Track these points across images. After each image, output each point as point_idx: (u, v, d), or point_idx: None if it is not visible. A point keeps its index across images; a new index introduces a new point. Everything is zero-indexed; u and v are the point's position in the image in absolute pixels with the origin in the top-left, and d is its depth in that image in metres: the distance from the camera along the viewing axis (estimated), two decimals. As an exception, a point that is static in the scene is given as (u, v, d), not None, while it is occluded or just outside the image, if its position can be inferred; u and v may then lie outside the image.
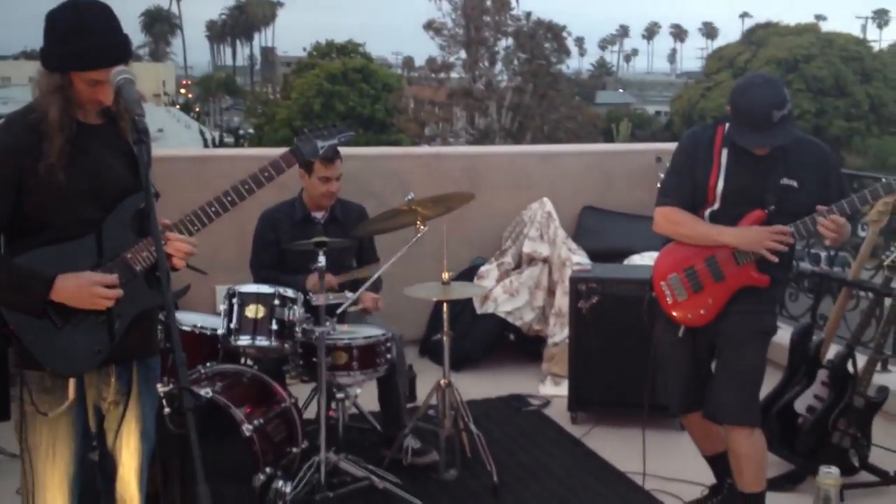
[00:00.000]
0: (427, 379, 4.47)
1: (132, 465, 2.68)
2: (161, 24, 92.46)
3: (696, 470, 3.91)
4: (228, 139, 38.22)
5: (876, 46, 56.45)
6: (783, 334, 4.00)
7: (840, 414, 3.99)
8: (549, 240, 5.88)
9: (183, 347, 2.17)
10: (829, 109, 42.00)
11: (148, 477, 2.75)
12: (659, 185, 3.58)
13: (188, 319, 4.05)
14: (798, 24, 49.16)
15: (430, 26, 32.30)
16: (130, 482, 2.69)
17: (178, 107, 60.74)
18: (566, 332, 5.07)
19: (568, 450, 4.55)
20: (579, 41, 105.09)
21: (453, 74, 33.68)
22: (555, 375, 5.37)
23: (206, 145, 31.54)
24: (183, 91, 73.85)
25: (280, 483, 3.54)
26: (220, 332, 3.86)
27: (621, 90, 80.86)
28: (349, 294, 4.01)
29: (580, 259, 5.60)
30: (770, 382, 3.88)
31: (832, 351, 4.20)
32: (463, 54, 32.22)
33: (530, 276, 5.79)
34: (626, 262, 5.70)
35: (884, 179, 3.37)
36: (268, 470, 3.55)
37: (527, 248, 5.91)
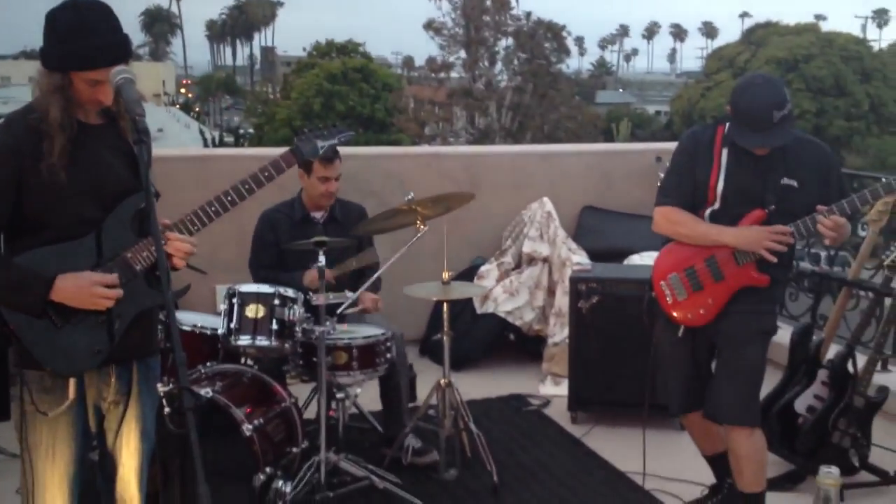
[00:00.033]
0: (427, 379, 4.47)
1: (132, 464, 2.68)
2: (161, 24, 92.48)
3: (696, 470, 3.91)
4: (228, 139, 38.24)
5: (876, 46, 56.47)
6: (783, 334, 4.00)
7: (840, 414, 3.99)
8: (549, 239, 5.88)
9: (183, 347, 2.18)
10: (829, 109, 41.99)
11: (148, 477, 2.75)
12: (659, 185, 3.58)
13: (188, 319, 4.05)
14: (798, 23, 49.16)
15: (429, 26, 32.30)
16: (130, 482, 2.69)
17: (178, 106, 60.76)
18: (566, 331, 5.07)
19: (568, 450, 4.55)
20: (579, 41, 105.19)
21: (453, 74, 33.68)
22: (555, 375, 5.37)
23: (205, 145, 31.56)
24: (183, 91, 73.86)
25: (280, 483, 3.54)
26: (220, 331, 3.85)
27: (621, 90, 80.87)
28: (349, 294, 4.01)
29: (580, 259, 5.60)
30: (770, 382, 3.88)
31: (832, 351, 4.20)
32: (463, 54, 32.22)
33: (530, 276, 5.79)
34: (625, 261, 5.69)
35: (884, 179, 3.37)
36: (268, 470, 3.54)
37: (527, 247, 5.91)
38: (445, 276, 4.18)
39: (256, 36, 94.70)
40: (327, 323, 3.75)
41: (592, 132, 31.74)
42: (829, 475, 3.39)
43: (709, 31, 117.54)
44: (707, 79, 48.42)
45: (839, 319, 4.35)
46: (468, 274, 5.99)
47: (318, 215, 4.50)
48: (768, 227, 3.26)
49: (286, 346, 3.83)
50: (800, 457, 4.04)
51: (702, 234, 3.36)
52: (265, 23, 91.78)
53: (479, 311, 5.78)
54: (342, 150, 4.41)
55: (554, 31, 32.34)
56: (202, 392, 3.55)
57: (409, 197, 4.08)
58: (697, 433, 3.69)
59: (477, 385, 5.22)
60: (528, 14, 32.50)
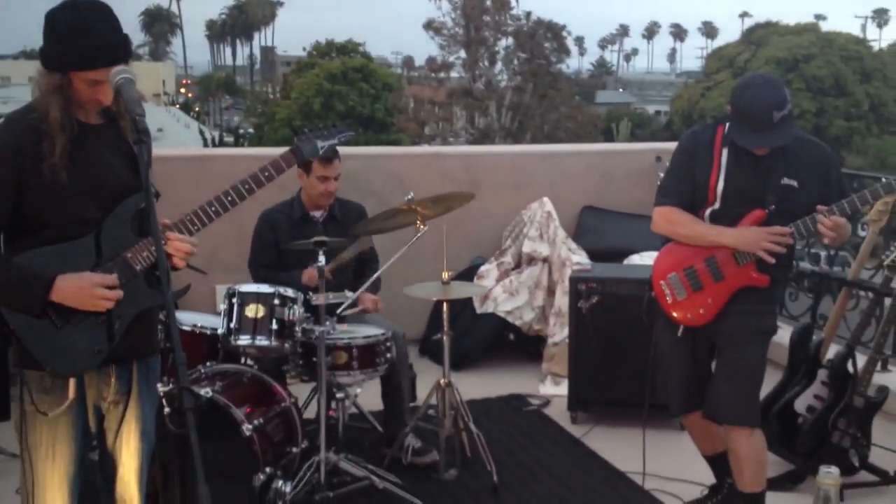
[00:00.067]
0: (427, 378, 4.47)
1: (132, 464, 2.68)
2: (161, 24, 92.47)
3: (696, 470, 3.91)
4: (228, 139, 38.24)
5: (876, 46, 56.48)
6: (783, 334, 4.00)
7: (840, 414, 3.99)
8: (548, 239, 5.88)
9: (183, 347, 2.17)
10: (829, 109, 42.00)
11: (148, 477, 2.75)
12: (658, 185, 3.58)
13: (188, 319, 4.05)
14: (798, 23, 49.17)
15: (429, 26, 32.32)
16: (130, 482, 2.69)
17: (177, 106, 60.76)
18: (566, 331, 5.06)
19: (568, 449, 4.55)
20: (579, 41, 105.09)
21: (453, 74, 33.70)
22: (555, 375, 5.37)
23: (205, 145, 31.58)
24: (183, 91, 73.84)
25: (280, 483, 3.54)
26: (220, 331, 3.85)
27: (621, 90, 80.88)
28: (349, 294, 4.01)
29: (580, 259, 5.60)
30: (770, 382, 3.88)
31: (832, 351, 4.20)
32: (463, 54, 32.24)
33: (530, 276, 5.79)
34: (625, 261, 5.69)
35: (884, 179, 3.37)
36: (268, 470, 3.55)
37: (527, 247, 5.91)
38: (445, 275, 4.18)
39: (256, 36, 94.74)
40: (327, 323, 3.75)
41: (592, 132, 31.77)
42: (829, 475, 3.39)
43: (709, 30, 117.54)
44: (707, 79, 48.44)
45: (839, 319, 4.35)
46: (468, 274, 5.99)
47: (317, 214, 4.50)
48: (767, 228, 3.26)
49: (286, 345, 3.83)
50: (800, 457, 4.04)
51: (700, 234, 3.36)
52: (265, 23, 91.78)
53: (478, 310, 5.78)
54: (342, 150, 4.41)
55: (554, 31, 32.36)
56: (202, 392, 3.55)
57: (409, 197, 4.07)
58: (697, 433, 3.69)
59: (477, 385, 5.22)
60: (528, 14, 32.53)
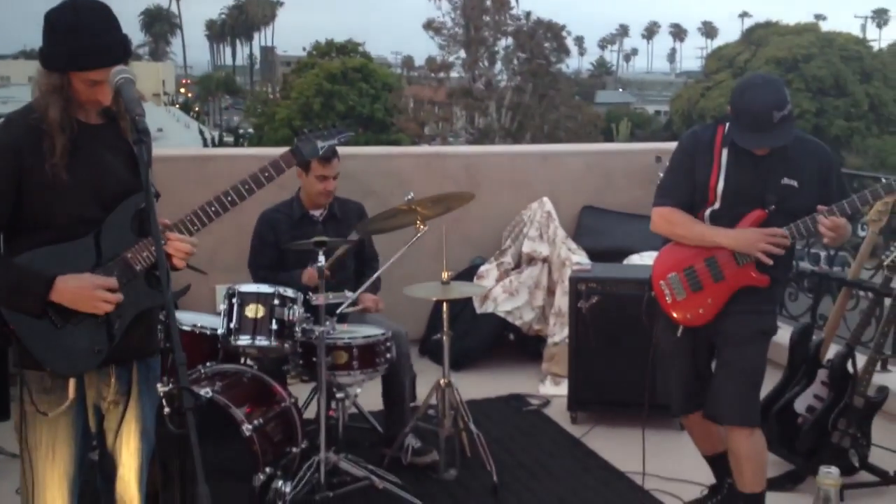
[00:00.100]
0: (427, 378, 4.47)
1: (132, 465, 2.68)
2: (161, 24, 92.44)
3: (696, 470, 3.91)
4: (228, 139, 38.21)
5: (875, 46, 56.41)
6: (783, 334, 4.00)
7: (840, 414, 3.99)
8: (548, 239, 5.88)
9: (183, 347, 2.17)
10: (829, 109, 42.00)
11: (148, 477, 2.75)
12: (657, 185, 3.58)
13: (188, 319, 4.04)
14: (797, 23, 49.16)
15: (429, 26, 32.35)
16: (130, 482, 2.69)
17: (177, 106, 60.75)
18: (566, 331, 5.06)
19: (568, 450, 4.55)
20: (579, 41, 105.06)
21: (453, 74, 33.74)
22: (554, 375, 5.37)
23: (205, 145, 31.55)
24: (182, 90, 73.84)
25: (280, 483, 3.54)
26: (219, 331, 3.85)
27: (621, 90, 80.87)
28: (349, 294, 4.01)
29: (580, 259, 5.61)
30: (770, 382, 3.88)
31: (832, 351, 4.20)
32: (462, 54, 32.27)
33: (530, 276, 5.79)
34: (625, 261, 5.70)
35: (884, 180, 3.36)
36: (267, 470, 3.55)
37: (526, 247, 5.91)
38: (445, 275, 4.18)
39: (256, 36, 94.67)
40: (327, 323, 3.75)
41: (592, 132, 31.80)
42: (829, 475, 3.39)
43: (708, 30, 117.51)
44: (707, 79, 48.43)
45: (839, 319, 4.35)
46: (468, 274, 5.99)
47: (317, 213, 4.50)
48: (764, 230, 3.26)
49: (286, 345, 3.83)
50: (799, 457, 4.04)
51: (698, 234, 3.36)
52: (265, 22, 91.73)
53: (478, 310, 5.78)
54: (342, 150, 4.41)
55: (554, 31, 32.39)
56: (202, 392, 3.55)
57: (409, 197, 4.07)
58: (697, 433, 3.69)
59: (477, 385, 5.22)
60: (528, 14, 32.58)
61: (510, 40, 32.17)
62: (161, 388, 2.27)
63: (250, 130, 43.54)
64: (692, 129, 3.54)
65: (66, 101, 2.46)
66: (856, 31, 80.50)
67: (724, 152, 3.31)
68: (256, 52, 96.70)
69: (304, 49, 52.88)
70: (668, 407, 3.64)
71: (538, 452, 4.50)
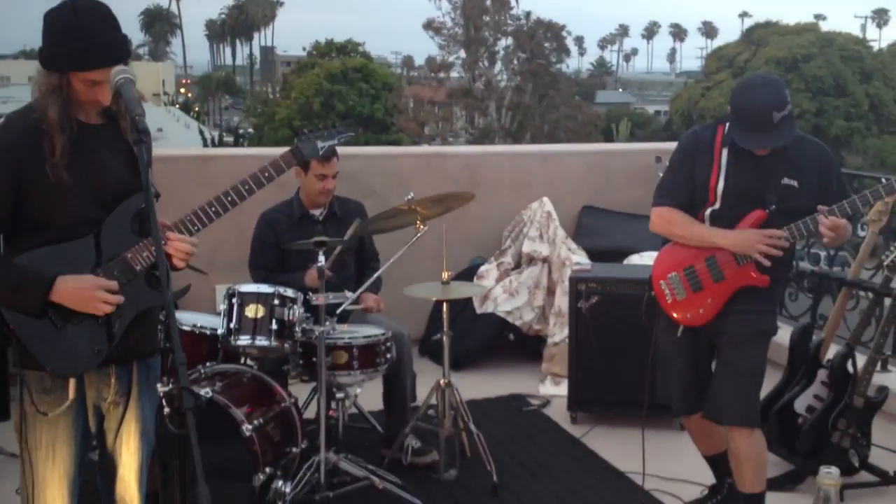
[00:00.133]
0: (427, 379, 4.46)
1: (132, 465, 2.68)
2: (160, 24, 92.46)
3: (696, 470, 3.91)
4: (228, 138, 38.22)
5: (875, 46, 56.41)
6: (783, 334, 4.00)
7: (840, 414, 3.99)
8: (548, 239, 5.88)
9: (183, 347, 2.17)
10: (829, 109, 41.98)
11: (148, 477, 2.75)
12: (656, 185, 3.58)
13: (188, 319, 4.04)
14: (797, 23, 49.12)
15: (429, 26, 32.38)
16: (130, 482, 2.69)
17: (177, 106, 60.70)
18: (566, 331, 5.06)
19: (568, 450, 4.55)
20: (579, 41, 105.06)
21: (453, 74, 33.76)
22: (554, 375, 5.37)
23: (205, 145, 31.55)
24: (182, 90, 73.80)
25: (280, 483, 3.54)
26: (219, 331, 3.85)
27: (621, 90, 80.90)
28: (349, 294, 4.01)
29: (580, 259, 5.60)
30: (770, 382, 3.88)
31: (832, 351, 4.20)
32: (462, 54, 32.30)
33: (530, 276, 5.79)
34: (625, 261, 5.69)
35: (884, 180, 3.36)
36: (267, 470, 3.55)
37: (526, 247, 5.91)
38: (445, 275, 4.18)
39: (256, 36, 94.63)
40: (327, 323, 3.75)
41: (592, 132, 31.81)
42: (829, 475, 3.38)
43: (708, 30, 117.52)
44: (707, 78, 48.41)
45: (839, 319, 4.35)
46: (468, 274, 5.99)
47: (317, 213, 4.50)
48: (763, 231, 3.26)
49: (286, 346, 3.83)
50: (799, 457, 4.04)
51: (696, 235, 3.36)
52: (265, 22, 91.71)
53: (478, 310, 5.78)
54: (342, 149, 4.41)
55: (554, 31, 32.42)
56: (202, 392, 3.55)
57: (409, 197, 4.07)
58: (697, 434, 3.69)
59: (477, 385, 5.22)
60: (528, 14, 32.62)
61: (510, 40, 32.20)
62: (161, 388, 2.27)
63: (250, 130, 43.54)
64: (692, 129, 3.54)
65: (66, 101, 2.46)
66: (856, 31, 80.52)
67: (725, 152, 3.31)
68: (256, 52, 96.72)
69: (303, 49, 52.92)
70: (669, 407, 3.64)
71: (538, 452, 4.50)
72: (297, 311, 3.84)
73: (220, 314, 3.89)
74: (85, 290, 2.44)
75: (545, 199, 6.09)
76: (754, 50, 45.60)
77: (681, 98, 48.60)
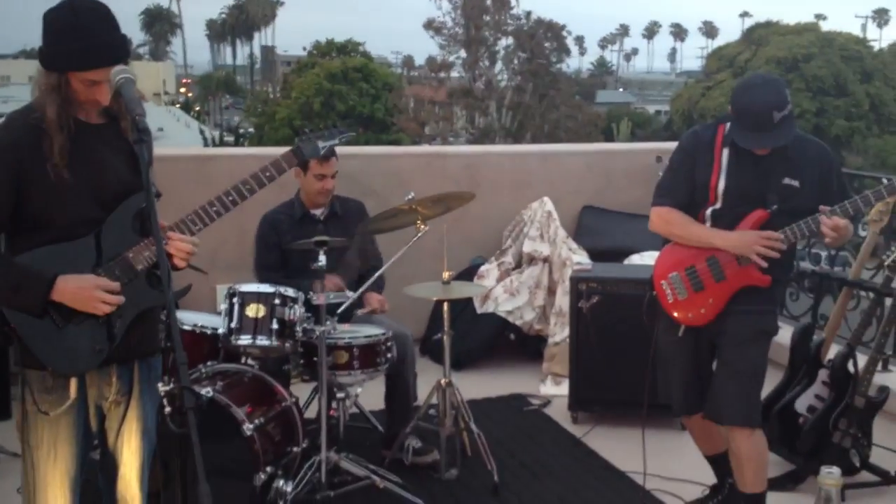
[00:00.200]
0: (427, 378, 4.46)
1: (133, 464, 2.68)
2: (161, 23, 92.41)
3: (697, 470, 3.91)
4: (228, 138, 38.25)
5: (876, 46, 56.35)
6: (784, 334, 3.99)
7: (841, 414, 3.99)
8: (549, 239, 5.88)
9: (184, 347, 2.17)
10: (830, 109, 41.97)
11: (149, 476, 2.75)
12: (656, 185, 3.58)
13: (189, 319, 4.04)
14: (798, 23, 49.08)
15: (430, 25, 32.37)
16: (132, 481, 2.69)
17: (178, 106, 60.75)
18: (567, 331, 5.07)
19: (568, 449, 4.55)
20: (579, 40, 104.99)
21: (453, 74, 33.76)
22: (555, 375, 5.37)
23: (206, 144, 31.60)
24: (183, 90, 73.82)
25: (281, 482, 3.55)
26: (220, 331, 3.85)
27: (621, 89, 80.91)
28: (349, 293, 4.01)
29: (580, 258, 5.60)
30: (771, 382, 3.87)
31: (833, 351, 4.20)
32: (463, 53, 32.29)
33: (531, 276, 5.79)
34: (626, 261, 5.70)
35: (885, 180, 3.36)
36: (268, 469, 3.55)
37: (527, 247, 5.91)
38: (446, 275, 4.18)
39: (256, 35, 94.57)
40: (328, 322, 3.75)
41: (593, 132, 31.80)
42: (830, 475, 3.38)
43: (709, 30, 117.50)
44: (707, 78, 48.40)
45: (840, 319, 4.35)
46: (468, 274, 5.99)
47: (318, 212, 4.50)
48: (760, 232, 3.26)
49: (287, 345, 3.83)
50: (800, 457, 4.04)
51: (694, 235, 3.36)
52: (265, 22, 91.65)
53: (479, 310, 5.79)
54: (342, 149, 4.41)
55: (554, 31, 32.41)
56: (203, 391, 3.55)
57: (410, 197, 4.08)
58: (698, 433, 3.69)
59: (477, 385, 5.22)
60: (529, 13, 32.61)
61: (510, 40, 32.19)
62: (162, 388, 2.27)
63: (251, 130, 43.54)
64: (692, 129, 3.54)
65: (64, 101, 2.46)
66: (856, 30, 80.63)
67: (725, 152, 3.31)
68: (257, 51, 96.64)
69: (304, 49, 52.86)
70: (669, 407, 3.64)
71: (539, 452, 4.50)
72: (298, 310, 3.84)
73: (220, 314, 3.90)
74: (85, 290, 2.44)
75: (546, 198, 6.09)
76: (755, 50, 45.58)
77: (681, 98, 48.58)
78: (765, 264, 3.25)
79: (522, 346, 5.82)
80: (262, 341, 3.77)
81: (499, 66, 32.42)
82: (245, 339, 3.78)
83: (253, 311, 3.77)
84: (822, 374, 4.13)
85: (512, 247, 6.06)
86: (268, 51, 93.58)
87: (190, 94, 71.69)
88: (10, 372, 4.12)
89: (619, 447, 4.42)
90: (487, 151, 8.58)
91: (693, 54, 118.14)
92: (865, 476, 4.03)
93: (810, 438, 4.01)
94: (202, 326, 3.97)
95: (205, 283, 5.23)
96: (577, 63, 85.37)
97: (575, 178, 6.51)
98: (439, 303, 4.29)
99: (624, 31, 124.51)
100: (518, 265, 5.99)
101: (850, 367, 4.05)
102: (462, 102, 32.15)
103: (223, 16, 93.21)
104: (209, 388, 3.59)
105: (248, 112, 49.56)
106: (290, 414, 3.81)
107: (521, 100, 30.96)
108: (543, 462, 4.39)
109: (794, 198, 3.27)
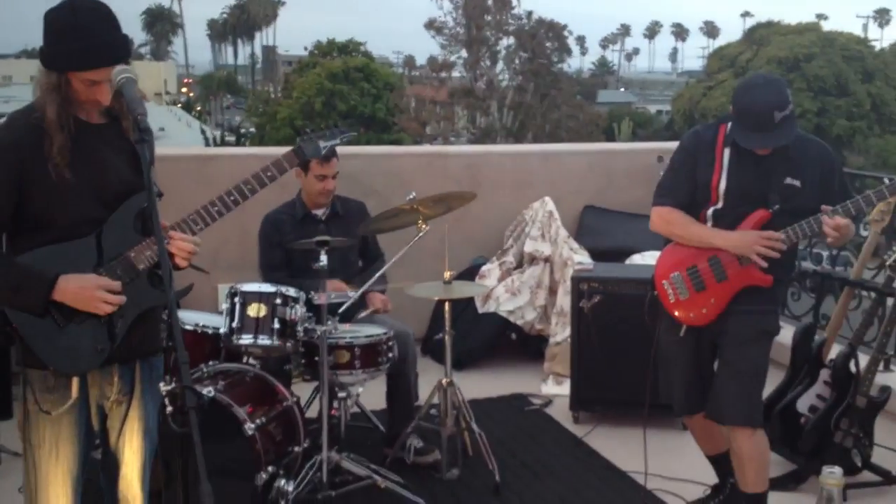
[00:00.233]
0: (429, 378, 4.47)
1: (135, 463, 2.68)
2: (162, 23, 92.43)
3: (699, 469, 3.91)
4: (230, 138, 38.27)
5: (877, 46, 56.29)
6: (785, 334, 4.00)
7: (842, 414, 3.99)
8: (550, 239, 5.88)
9: (185, 346, 2.17)
10: (831, 109, 41.93)
11: (151, 475, 2.75)
12: (657, 185, 3.58)
13: (190, 318, 4.05)
14: (799, 23, 49.04)
15: (431, 25, 32.35)
16: (133, 481, 2.69)
17: (179, 106, 60.73)
18: (568, 331, 5.06)
19: (570, 449, 4.55)
20: (580, 40, 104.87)
21: (454, 73, 33.74)
22: (557, 375, 5.37)
23: (207, 144, 31.62)
24: (184, 90, 73.83)
25: (282, 482, 3.55)
26: (222, 331, 3.85)
27: (623, 89, 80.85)
28: (350, 294, 4.01)
29: (582, 258, 5.61)
30: (772, 382, 3.87)
31: (834, 350, 4.20)
32: (464, 53, 32.28)
33: (532, 276, 5.79)
34: (627, 261, 5.69)
35: (886, 180, 3.36)
36: (270, 469, 3.55)
37: (528, 247, 5.91)
38: (447, 275, 4.18)
39: (258, 35, 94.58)
40: (329, 322, 3.75)
41: (594, 132, 31.77)
42: (832, 475, 3.38)
43: (710, 30, 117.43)
44: (708, 78, 48.36)
45: (841, 319, 4.35)
46: (469, 273, 5.99)
47: (319, 213, 4.50)
48: (761, 233, 3.25)
49: (288, 345, 3.83)
50: (802, 457, 4.04)
51: (695, 235, 3.36)
52: (266, 22, 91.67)
53: (480, 310, 5.79)
54: (343, 149, 4.42)
55: (555, 31, 32.39)
56: (204, 391, 3.55)
57: (411, 196, 4.08)
58: (700, 433, 3.69)
59: (479, 384, 5.22)
60: (530, 13, 32.57)
61: (512, 40, 32.17)
62: (164, 387, 2.27)
63: (252, 130, 43.55)
64: (694, 129, 3.54)
65: (64, 101, 2.45)
66: (857, 30, 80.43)
67: (726, 152, 3.31)
68: (258, 51, 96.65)
69: (305, 48, 52.85)
70: (671, 407, 3.64)
71: (540, 452, 4.50)
72: (300, 310, 3.85)
73: (222, 313, 3.90)
74: (86, 290, 2.44)
75: (547, 198, 6.09)
76: (756, 50, 45.54)
77: (682, 98, 48.55)
78: (765, 264, 3.25)
79: (524, 346, 5.82)
80: (264, 341, 3.78)
81: (500, 65, 32.41)
82: (246, 339, 3.78)
83: (254, 310, 3.77)
84: (824, 374, 4.12)
85: (513, 246, 6.06)
86: (269, 50, 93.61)
87: (191, 94, 71.72)
88: (11, 371, 4.12)
89: (620, 447, 4.42)
90: (489, 151, 8.59)
91: (694, 54, 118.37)
92: (867, 476, 4.03)
93: (812, 438, 4.01)
94: (204, 326, 3.98)
95: (206, 283, 5.24)
96: (578, 63, 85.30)
97: (576, 177, 6.51)
98: (441, 303, 4.30)
99: (625, 30, 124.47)
100: (519, 265, 5.99)
101: (852, 367, 4.05)
102: (463, 102, 32.14)
103: (224, 15, 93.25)
104: (211, 388, 3.59)
105: (250, 112, 49.57)
106: (292, 413, 3.82)
107: (522, 100, 30.95)
108: (545, 462, 4.39)
109: (795, 198, 3.27)
